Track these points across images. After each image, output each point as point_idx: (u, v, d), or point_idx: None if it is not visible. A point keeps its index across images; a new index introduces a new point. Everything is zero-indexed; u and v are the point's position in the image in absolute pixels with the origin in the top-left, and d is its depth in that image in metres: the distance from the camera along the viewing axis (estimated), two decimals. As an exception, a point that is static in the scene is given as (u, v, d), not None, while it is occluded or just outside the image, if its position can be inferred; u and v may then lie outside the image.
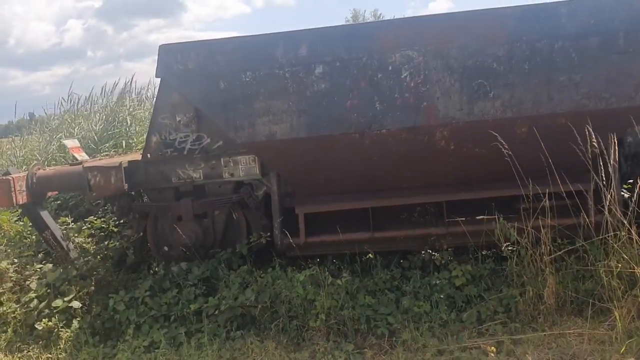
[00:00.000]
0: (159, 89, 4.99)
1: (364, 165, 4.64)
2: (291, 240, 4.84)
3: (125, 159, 5.39)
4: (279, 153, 4.70)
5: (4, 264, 5.04)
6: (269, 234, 5.00)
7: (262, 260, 5.08)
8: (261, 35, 4.67)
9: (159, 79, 4.93)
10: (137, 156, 5.67)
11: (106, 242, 5.67)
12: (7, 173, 5.26)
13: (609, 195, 3.82)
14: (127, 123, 7.52)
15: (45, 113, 9.29)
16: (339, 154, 4.58)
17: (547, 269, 4.00)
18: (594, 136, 3.85)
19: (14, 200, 5.09)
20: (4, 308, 4.69)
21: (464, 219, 4.61)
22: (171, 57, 4.71)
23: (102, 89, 8.77)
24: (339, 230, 4.82)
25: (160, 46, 4.71)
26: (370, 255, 4.95)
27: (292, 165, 4.78)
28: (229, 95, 4.63)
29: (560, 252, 4.07)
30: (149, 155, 5.17)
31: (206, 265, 4.94)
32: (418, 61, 4.34)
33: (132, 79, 8.80)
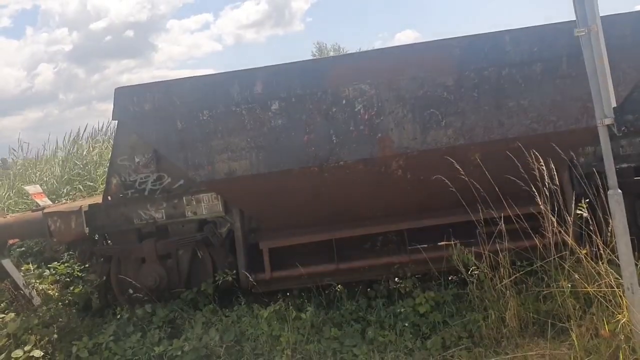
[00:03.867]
0: (116, 132, 5.00)
1: (325, 197, 4.68)
2: (256, 277, 4.82)
3: (86, 202, 5.35)
4: (239, 190, 4.72)
5: (-37, 316, 4.91)
6: (234, 271, 4.98)
7: (229, 298, 5.05)
8: (217, 74, 4.75)
9: (115, 122, 4.94)
10: (95, 200, 5.64)
11: (71, 288, 5.56)
12: (-34, 222, 5.18)
13: (559, 217, 3.91)
14: (95, 165, 7.48)
15: (14, 157, 9.21)
16: (299, 188, 4.62)
17: (508, 291, 4.05)
18: (542, 159, 3.95)
19: (-27, 249, 5.01)
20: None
21: (425, 246, 4.65)
22: (127, 99, 4.74)
23: (66, 134, 8.77)
24: (304, 263, 4.83)
25: (115, 89, 4.74)
26: (337, 287, 4.96)
27: (253, 201, 4.81)
28: (186, 134, 4.66)
29: (518, 274, 4.12)
30: (109, 197, 5.14)
31: (171, 306, 4.89)
32: (371, 94, 4.43)
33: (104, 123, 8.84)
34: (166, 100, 4.68)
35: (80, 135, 8.45)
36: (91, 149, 8.03)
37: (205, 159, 4.66)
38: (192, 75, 4.82)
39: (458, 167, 4.18)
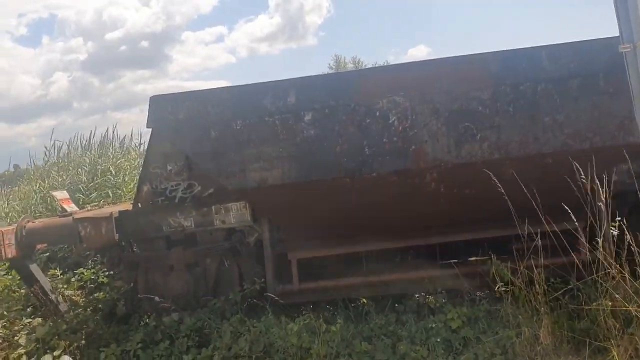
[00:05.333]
0: (150, 139, 5.03)
1: (356, 209, 4.66)
2: (284, 287, 4.80)
3: (115, 209, 5.38)
4: (270, 199, 4.71)
5: (-7, 318, 4.94)
6: (262, 280, 4.97)
7: (255, 308, 5.03)
8: (251, 84, 4.76)
9: (149, 130, 4.97)
10: (127, 206, 5.66)
11: (96, 294, 5.58)
12: (-4, 226, 5.22)
13: (601, 234, 3.85)
14: (112, 173, 7.52)
15: (34, 164, 9.28)
16: (330, 199, 4.61)
17: (542, 308, 4.00)
18: (582, 175, 3.91)
19: (3, 254, 5.03)
20: (-8, 365, 4.57)
21: (457, 260, 4.61)
22: (162, 107, 4.78)
23: (84, 139, 8.80)
24: (333, 276, 4.80)
25: (151, 97, 4.78)
26: (365, 300, 4.92)
27: (283, 210, 4.79)
28: (219, 143, 4.67)
29: (557, 294, 4.06)
30: (139, 204, 5.16)
31: (198, 315, 4.88)
32: (405, 106, 4.43)
33: (114, 128, 8.87)
34: (201, 109, 4.70)
35: (105, 141, 8.51)
36: (112, 156, 8.08)
37: (237, 168, 4.66)
38: (227, 86, 4.87)
39: (494, 180, 4.15)
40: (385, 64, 8.34)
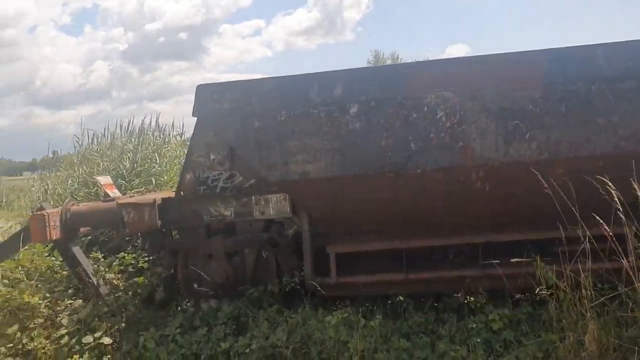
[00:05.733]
0: (195, 128, 5.06)
1: (398, 205, 4.61)
2: (322, 281, 4.78)
3: (157, 196, 5.44)
4: (311, 191, 4.70)
5: (36, 299, 5.04)
6: (299, 273, 4.97)
7: (291, 300, 5.03)
8: (297, 75, 4.75)
9: (195, 118, 5.00)
10: (168, 193, 5.72)
11: (136, 279, 5.65)
12: (42, 208, 5.33)
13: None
14: (156, 160, 7.62)
15: (76, 149, 9.42)
16: (372, 194, 4.57)
17: (589, 314, 3.89)
18: (630, 178, 3.79)
19: (48, 235, 5.14)
20: (35, 343, 4.66)
21: (499, 261, 4.52)
22: (208, 96, 4.80)
23: (122, 126, 8.91)
24: (372, 271, 4.77)
25: (197, 86, 4.81)
26: (403, 297, 4.88)
27: (324, 204, 4.77)
28: (263, 134, 4.68)
29: (603, 298, 3.95)
30: (182, 192, 5.20)
31: (236, 303, 4.90)
32: (454, 102, 4.35)
33: (157, 117, 8.97)
34: (245, 99, 4.71)
35: (145, 129, 8.62)
36: (153, 144, 8.18)
37: (279, 159, 4.66)
38: (273, 76, 4.86)
39: (538, 181, 4.05)
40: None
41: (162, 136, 9.06)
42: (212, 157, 5.02)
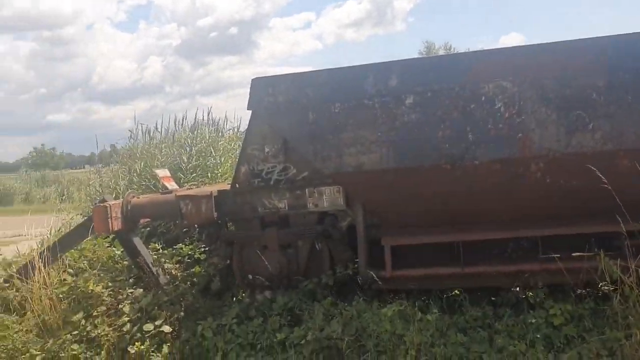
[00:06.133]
0: (249, 121, 5.11)
1: (455, 197, 4.54)
2: (376, 273, 4.76)
3: (214, 188, 5.54)
4: (366, 183, 4.68)
5: (99, 287, 5.23)
6: (353, 265, 4.97)
7: (344, 292, 5.04)
8: (350, 67, 4.73)
9: (249, 112, 5.06)
10: (223, 186, 5.82)
11: (193, 269, 5.79)
12: (103, 200, 5.52)
13: None
14: (212, 154, 7.77)
15: (132, 141, 9.63)
16: (428, 186, 4.51)
17: (656, 311, 3.74)
18: None
19: (110, 226, 5.32)
20: (99, 331, 4.85)
21: (560, 255, 4.39)
22: (262, 90, 4.84)
23: (176, 121, 9.09)
24: (427, 264, 4.72)
25: (252, 79, 4.86)
26: (458, 291, 4.81)
27: (379, 196, 4.74)
28: (317, 126, 4.68)
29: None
30: (237, 185, 5.28)
31: (290, 295, 4.95)
32: (512, 92, 4.24)
33: (209, 111, 9.11)
34: (300, 91, 4.73)
35: (200, 123, 8.77)
36: (209, 138, 8.33)
37: (333, 152, 4.66)
38: (327, 68, 4.85)
39: (600, 174, 3.91)
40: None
41: (216, 130, 9.19)
42: (266, 149, 5.07)
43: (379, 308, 4.44)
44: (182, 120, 9.12)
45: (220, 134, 8.83)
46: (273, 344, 4.45)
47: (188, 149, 8.02)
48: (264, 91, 4.83)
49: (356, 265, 5.00)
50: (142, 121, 10.54)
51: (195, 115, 8.92)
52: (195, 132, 8.56)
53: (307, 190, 5.03)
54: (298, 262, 5.22)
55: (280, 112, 4.80)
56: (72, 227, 6.82)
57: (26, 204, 29.53)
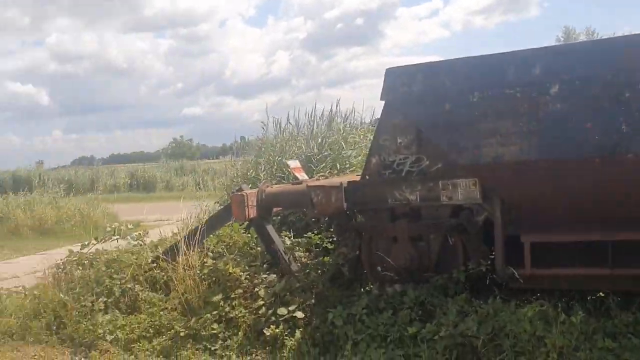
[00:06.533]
0: (382, 112, 5.08)
1: (603, 193, 4.20)
2: (515, 271, 4.54)
3: (343, 179, 5.59)
4: (505, 176, 4.46)
5: (237, 270, 5.50)
6: (488, 262, 4.77)
7: (478, 289, 4.86)
8: (490, 55, 4.54)
9: (382, 102, 5.02)
10: (352, 177, 5.85)
11: (322, 258, 5.90)
12: (240, 189, 5.78)
13: None
14: (342, 146, 7.85)
15: (263, 133, 9.91)
16: (574, 180, 4.21)
17: None
18: None
19: (246, 214, 5.56)
20: (236, 312, 5.10)
21: None
22: (396, 79, 4.79)
23: (306, 113, 9.25)
24: (571, 264, 4.41)
25: (386, 69, 4.83)
26: (602, 294, 4.46)
27: (519, 190, 4.51)
28: (453, 116, 4.55)
29: None
30: (367, 176, 5.28)
31: (421, 289, 4.87)
32: (676, 78, 3.83)
33: (337, 103, 9.16)
34: (436, 80, 4.62)
35: (332, 115, 8.87)
36: (342, 130, 8.43)
37: (470, 143, 4.50)
38: (465, 56, 4.68)
39: None
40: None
41: (345, 122, 9.23)
42: (398, 140, 5.01)
43: (517, 307, 4.23)
44: (312, 112, 9.24)
45: (349, 125, 8.87)
46: (404, 337, 4.40)
47: (321, 140, 8.16)
48: (398, 81, 4.78)
49: (490, 262, 4.79)
50: (270, 114, 10.90)
51: (331, 108, 9.02)
52: (330, 125, 8.67)
53: (440, 182, 4.90)
54: (429, 255, 5.12)
55: (414, 102, 4.72)
56: (210, 214, 7.23)
57: (166, 191, 32.00)
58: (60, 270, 6.86)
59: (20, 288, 6.77)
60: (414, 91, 4.71)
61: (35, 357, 5.24)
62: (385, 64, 68.74)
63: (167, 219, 13.72)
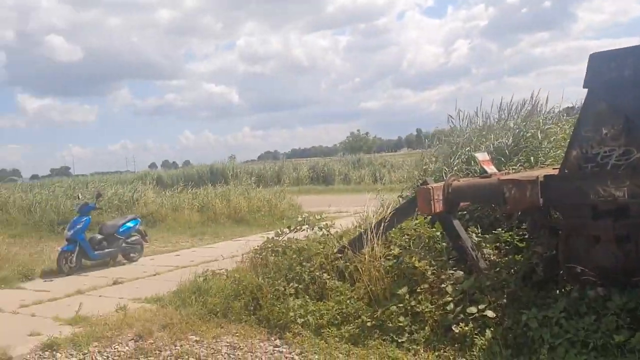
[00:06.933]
0: (585, 100, 4.69)
1: None
2: None
3: (539, 172, 5.26)
4: None
5: (423, 264, 5.48)
6: None
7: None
8: None
9: (585, 90, 4.63)
10: (548, 170, 5.48)
11: (510, 256, 5.63)
12: (425, 183, 5.73)
13: None
14: (538, 138, 7.38)
15: (451, 124, 9.64)
16: None
17: None
18: None
19: (432, 207, 5.50)
20: (422, 307, 5.09)
21: None
22: (602, 65, 4.39)
23: (499, 105, 8.79)
24: None
25: (591, 54, 4.44)
26: None
27: None
28: (671, 104, 4.03)
29: None
30: (566, 170, 4.91)
31: (629, 294, 4.41)
32: None
33: (537, 94, 8.59)
34: (651, 64, 4.13)
35: (534, 108, 8.35)
36: (541, 122, 7.91)
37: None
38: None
39: None
40: None
41: (540, 112, 8.64)
42: (603, 131, 4.58)
43: None
44: (500, 103, 8.79)
45: (544, 116, 8.27)
46: (608, 345, 4.05)
47: (517, 132, 7.76)
48: (605, 66, 4.37)
49: None
50: (450, 105, 10.62)
51: (531, 100, 8.51)
52: (528, 115, 8.20)
53: (654, 177, 4.39)
54: (638, 257, 4.61)
55: (624, 88, 4.28)
56: (391, 207, 7.30)
57: (344, 183, 33.07)
58: (256, 255, 7.45)
59: (223, 270, 7.45)
60: (624, 77, 4.26)
61: (237, 334, 5.72)
62: (575, 49, 62.59)
63: (346, 210, 14.17)
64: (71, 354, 5.54)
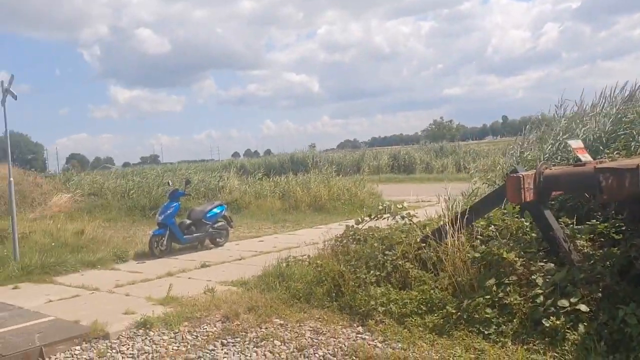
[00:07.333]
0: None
1: None
2: None
3: (638, 161, 4.94)
4: None
5: (512, 255, 5.30)
6: None
7: None
8: None
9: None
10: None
11: (605, 249, 5.33)
12: (515, 171, 5.52)
13: None
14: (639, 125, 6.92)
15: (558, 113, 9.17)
16: None
17: None
18: None
19: (522, 197, 5.29)
20: (510, 299, 4.92)
21: None
22: None
23: (602, 93, 8.29)
24: None
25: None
26: None
27: None
28: None
29: None
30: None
31: None
32: None
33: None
34: None
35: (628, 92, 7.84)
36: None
37: None
38: None
39: None
40: None
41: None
42: None
43: None
44: (603, 90, 8.28)
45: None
46: None
47: (618, 117, 7.31)
48: None
49: None
50: (534, 91, 10.14)
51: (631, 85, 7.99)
52: (628, 102, 7.70)
53: None
54: None
55: None
56: (476, 197, 7.11)
57: (426, 172, 32.59)
58: (337, 243, 7.50)
59: (305, 257, 7.56)
60: None
61: (320, 319, 5.80)
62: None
63: (428, 200, 13.96)
64: (163, 332, 5.82)
